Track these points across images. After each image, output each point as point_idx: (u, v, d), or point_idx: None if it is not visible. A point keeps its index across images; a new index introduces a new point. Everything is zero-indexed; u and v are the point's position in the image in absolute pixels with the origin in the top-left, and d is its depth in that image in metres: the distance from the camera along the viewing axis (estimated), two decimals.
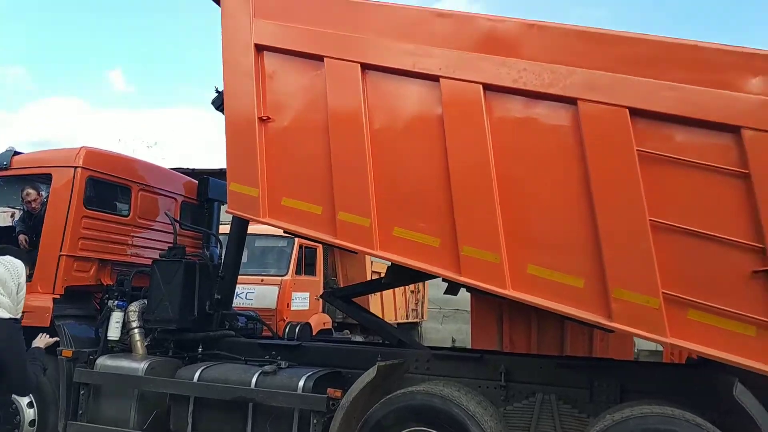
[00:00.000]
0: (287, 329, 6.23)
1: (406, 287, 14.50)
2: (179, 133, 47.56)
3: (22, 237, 6.41)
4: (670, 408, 4.01)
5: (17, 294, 3.22)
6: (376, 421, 4.54)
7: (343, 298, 6.11)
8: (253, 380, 5.03)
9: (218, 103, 5.86)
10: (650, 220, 3.93)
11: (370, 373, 4.67)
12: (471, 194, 4.38)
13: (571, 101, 4.14)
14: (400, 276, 5.54)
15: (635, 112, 3.99)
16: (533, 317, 7.14)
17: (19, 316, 3.29)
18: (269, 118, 5.07)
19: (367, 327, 7.06)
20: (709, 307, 3.81)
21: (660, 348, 11.67)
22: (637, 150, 3.96)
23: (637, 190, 3.96)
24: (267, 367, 5.12)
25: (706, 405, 4.21)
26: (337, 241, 4.83)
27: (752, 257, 3.76)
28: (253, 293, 9.32)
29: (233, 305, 6.79)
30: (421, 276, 5.24)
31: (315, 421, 4.77)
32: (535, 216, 4.32)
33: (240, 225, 6.37)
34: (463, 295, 7.88)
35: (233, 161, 5.24)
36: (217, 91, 5.94)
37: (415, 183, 4.64)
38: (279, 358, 5.45)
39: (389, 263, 5.41)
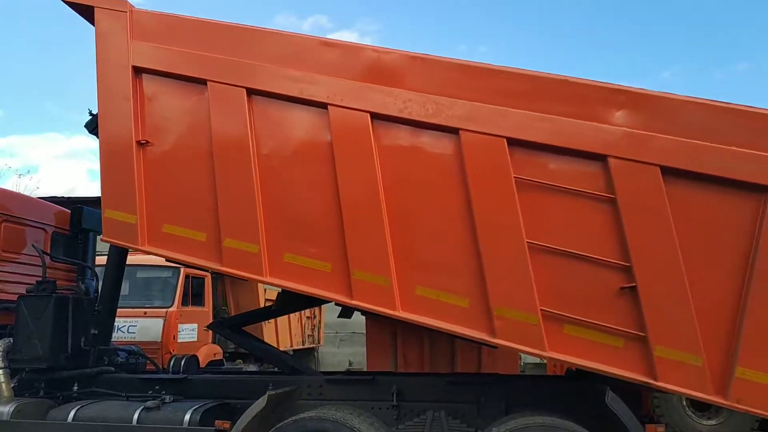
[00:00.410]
0: (172, 362, 5.95)
1: (302, 313, 14.34)
2: (59, 162, 44.29)
3: None
4: (550, 418, 4.28)
5: None
6: None
7: (232, 328, 5.95)
8: (135, 416, 4.77)
9: (92, 126, 5.58)
10: (527, 242, 4.20)
11: (260, 403, 4.57)
12: (361, 220, 4.46)
13: (454, 131, 4.36)
14: (291, 302, 5.50)
15: (512, 142, 4.27)
16: (425, 337, 7.36)
17: None
18: (148, 141, 4.89)
19: (259, 356, 6.88)
20: (583, 321, 4.13)
21: (544, 361, 12.41)
22: (515, 177, 4.24)
23: (515, 214, 4.22)
24: (150, 403, 4.87)
25: (583, 413, 4.50)
26: (224, 269, 4.72)
27: (619, 275, 4.11)
28: (135, 326, 8.80)
29: (113, 340, 6.41)
30: (314, 301, 5.23)
31: None
32: (422, 240, 4.46)
33: (118, 255, 6.05)
34: (359, 318, 7.98)
35: (108, 187, 4.99)
36: (91, 114, 5.66)
37: (306, 209, 4.65)
38: (163, 392, 5.22)
39: (280, 289, 5.37)
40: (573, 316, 4.13)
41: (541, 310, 4.13)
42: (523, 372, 9.68)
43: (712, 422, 8.48)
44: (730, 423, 8.41)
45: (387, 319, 7.17)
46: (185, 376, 5.52)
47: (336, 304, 4.95)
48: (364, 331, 8.01)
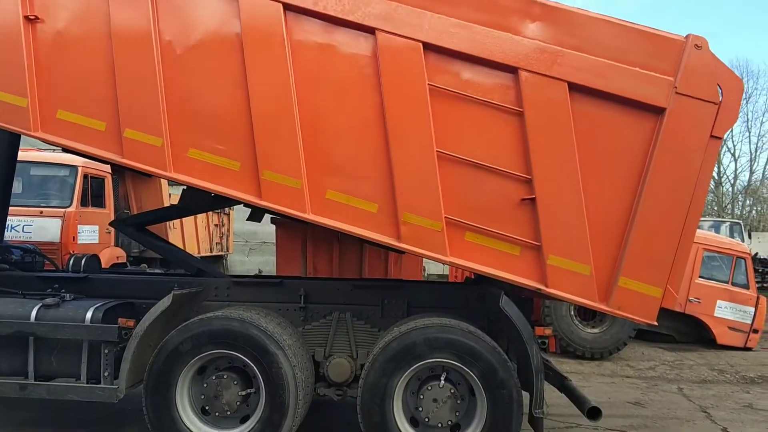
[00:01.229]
0: (71, 261, 5.72)
1: (209, 220, 14.13)
2: None
3: None
4: (447, 319, 4.55)
5: None
6: (173, 347, 4.47)
7: (136, 226, 5.77)
8: (33, 313, 4.61)
9: None
10: (437, 150, 4.29)
11: (165, 302, 4.56)
12: (271, 118, 4.36)
13: (370, 30, 4.27)
14: (197, 201, 5.37)
15: (428, 47, 4.25)
16: (335, 245, 7.51)
17: None
18: (37, 17, 4.45)
19: (163, 257, 6.76)
20: (484, 230, 4.34)
21: (446, 272, 13.04)
22: (429, 84, 4.26)
23: (426, 122, 4.28)
24: (48, 300, 4.72)
25: (478, 316, 4.87)
26: (125, 161, 4.51)
27: (521, 187, 4.32)
28: (31, 226, 8.35)
29: (6, 239, 6.06)
30: (221, 202, 5.14)
31: (106, 351, 4.56)
32: (334, 143, 4.43)
33: (9, 146, 5.63)
34: (269, 227, 7.97)
35: None
36: None
37: (212, 103, 4.46)
38: (62, 290, 5.05)
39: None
40: (475, 225, 4.33)
41: (446, 217, 4.30)
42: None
43: (596, 330, 9.47)
44: (611, 331, 9.43)
45: (297, 226, 7.34)
46: (86, 275, 5.35)
47: (245, 205, 4.91)
48: (275, 241, 8.06)
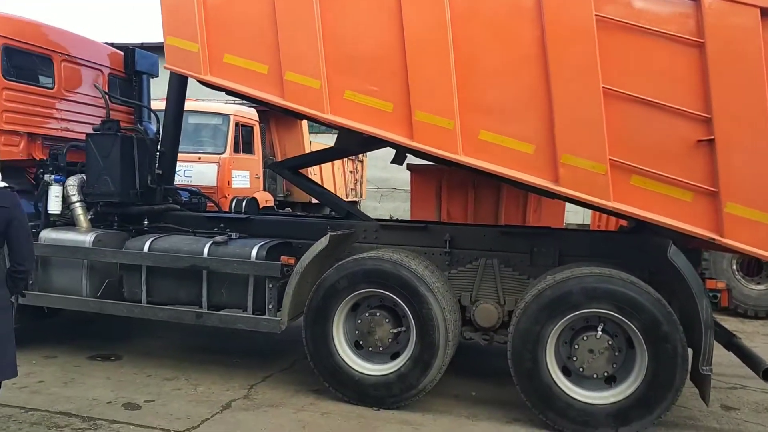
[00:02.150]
0: (233, 203, 6.16)
1: (345, 167, 14.53)
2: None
3: None
4: (607, 268, 4.34)
5: None
6: (330, 284, 4.71)
7: (291, 169, 6.04)
8: (205, 250, 5.04)
9: None
10: (603, 87, 4.02)
11: (323, 242, 4.77)
12: (426, 58, 4.30)
13: None
14: (351, 143, 5.50)
15: None
16: (470, 191, 7.40)
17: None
18: None
19: (317, 199, 7.03)
20: (653, 173, 4.04)
21: (588, 221, 12.46)
22: (596, 15, 3.95)
23: (592, 56, 4.00)
24: (218, 238, 5.12)
25: (637, 267, 4.56)
26: (285, 103, 4.70)
27: (698, 127, 3.95)
28: (191, 170, 9.05)
29: None
30: (373, 144, 5.22)
31: (270, 285, 4.89)
32: (489, 81, 4.31)
33: (177, 95, 6.10)
34: (401, 174, 8.01)
35: (168, 12, 4.92)
36: None
37: (368, 45, 4.49)
38: (228, 230, 5.46)
39: (337, 132, 5.38)
40: (643, 168, 4.04)
41: (610, 159, 4.05)
42: None
43: (762, 287, 8.55)
44: None
45: (432, 172, 7.31)
46: (248, 215, 5.74)
47: (392, 146, 4.95)
48: (406, 187, 8.09)
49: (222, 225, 5.59)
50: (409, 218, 8.08)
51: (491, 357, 5.82)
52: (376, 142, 4.93)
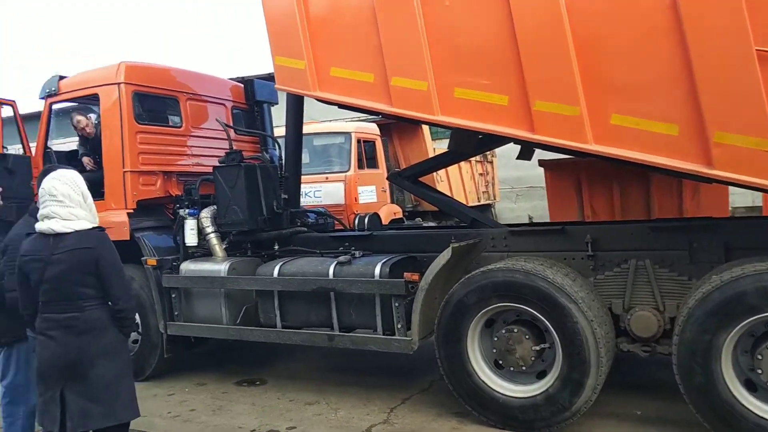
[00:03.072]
0: (356, 221, 6.10)
1: (474, 170, 14.10)
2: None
3: (86, 159, 6.49)
4: None
5: (85, 202, 3.01)
6: (458, 300, 4.41)
7: (410, 179, 5.82)
8: (330, 270, 4.97)
9: None
10: (757, 50, 3.34)
11: (445, 255, 4.48)
12: (540, 41, 3.88)
13: None
14: (465, 143, 5.18)
15: None
16: (614, 182, 6.71)
17: (98, 224, 3.10)
18: None
19: (438, 207, 6.77)
20: None
21: (760, 203, 10.89)
22: None
23: (740, 16, 3.34)
24: (342, 258, 5.04)
25: None
26: (394, 110, 4.52)
27: None
28: (320, 191, 9.26)
29: (303, 204, 6.72)
30: (490, 142, 4.87)
31: (396, 304, 4.69)
32: (615, 60, 3.78)
33: (295, 120, 6.18)
34: (535, 171, 7.46)
35: (274, 33, 4.99)
36: None
37: (475, 37, 4.17)
38: (352, 248, 5.38)
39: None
40: None
41: None
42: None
43: None
44: None
45: (568, 167, 6.71)
46: (370, 232, 5.62)
47: (515, 142, 4.55)
48: (543, 184, 7.53)
49: (347, 243, 5.53)
50: (548, 218, 7.54)
51: (653, 368, 5.15)
52: (494, 140, 4.59)
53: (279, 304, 5.21)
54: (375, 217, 6.09)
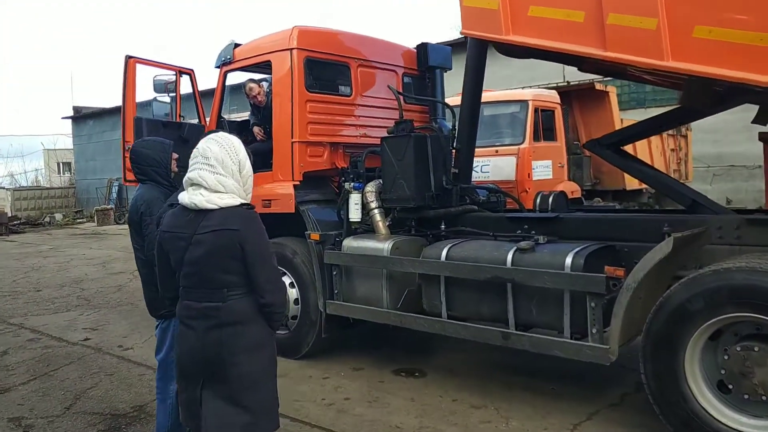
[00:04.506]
0: (538, 199, 5.27)
1: (665, 144, 12.36)
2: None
3: (256, 129, 6.41)
4: None
5: (240, 173, 2.54)
6: (678, 305, 3.49)
7: (613, 147, 4.84)
8: (509, 258, 4.26)
9: None
10: None
11: (664, 248, 3.56)
12: None
13: None
14: (700, 100, 4.12)
15: None
16: None
17: (249, 201, 2.63)
18: None
19: (647, 184, 5.68)
20: None
21: None
22: None
23: None
24: (523, 243, 4.30)
25: None
26: (608, 54, 3.70)
27: None
28: (488, 165, 8.47)
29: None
30: (729, 100, 3.81)
31: (593, 304, 3.86)
32: None
33: (474, 82, 5.49)
34: (737, 147, 6.04)
35: None
36: None
37: None
38: (533, 232, 4.63)
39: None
40: None
41: None
42: None
43: None
44: None
45: None
46: (557, 214, 4.80)
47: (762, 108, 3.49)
48: (747, 163, 6.10)
49: (526, 226, 4.78)
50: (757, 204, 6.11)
51: None
52: (735, 97, 3.54)
53: (445, 292, 4.63)
54: (561, 196, 5.23)
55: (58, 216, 27.15)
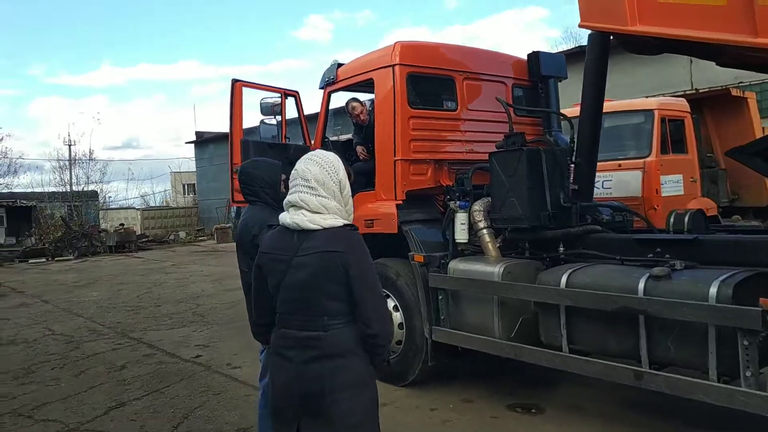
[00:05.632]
0: (672, 219, 4.63)
1: None
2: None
3: (359, 148, 6.30)
4: None
5: (341, 193, 2.38)
6: None
7: (761, 155, 4.17)
8: (641, 286, 3.73)
9: None
10: None
11: None
12: None
13: None
14: None
15: None
16: None
17: (351, 221, 2.44)
18: None
19: None
20: None
21: None
22: None
23: None
24: (657, 270, 3.75)
25: None
26: (759, 40, 3.11)
27: None
28: (610, 181, 7.80)
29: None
30: None
31: (746, 342, 3.26)
32: None
33: (595, 93, 5.00)
34: None
35: None
36: None
37: None
38: (667, 256, 4.06)
39: None
40: None
41: None
42: None
43: None
44: None
45: None
46: (695, 236, 4.18)
47: None
48: None
49: (659, 250, 4.20)
50: None
51: None
52: None
53: (566, 322, 4.16)
54: (699, 215, 4.56)
55: (182, 234, 29.05)
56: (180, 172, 40.54)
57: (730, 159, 9.41)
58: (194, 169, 37.03)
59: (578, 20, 4.35)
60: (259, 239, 3.26)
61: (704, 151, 9.21)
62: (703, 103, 9.27)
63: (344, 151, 6.39)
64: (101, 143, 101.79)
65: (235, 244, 3.68)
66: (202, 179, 35.26)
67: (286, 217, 2.34)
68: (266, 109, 6.20)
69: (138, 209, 33.15)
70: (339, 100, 6.55)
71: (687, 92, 12.90)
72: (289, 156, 6.02)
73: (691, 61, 15.19)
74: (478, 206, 5.07)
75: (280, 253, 2.32)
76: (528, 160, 4.71)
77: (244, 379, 5.94)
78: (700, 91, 12.17)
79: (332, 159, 2.41)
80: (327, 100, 6.29)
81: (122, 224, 27.07)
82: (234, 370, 6.30)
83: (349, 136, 7.25)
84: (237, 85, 5.98)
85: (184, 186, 40.62)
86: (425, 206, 5.58)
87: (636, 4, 3.71)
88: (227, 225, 27.68)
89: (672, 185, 7.86)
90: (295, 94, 6.42)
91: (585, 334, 4.12)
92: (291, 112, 6.48)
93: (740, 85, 12.51)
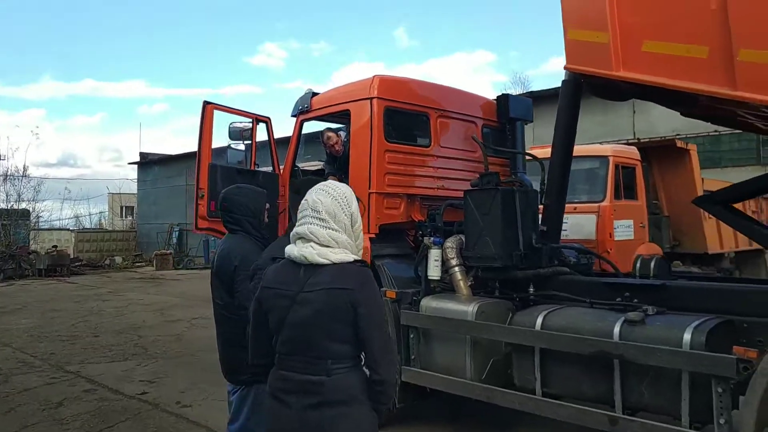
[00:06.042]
0: (638, 264, 4.79)
1: (746, 207, 11.58)
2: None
3: (331, 178, 6.19)
4: None
5: (353, 227, 2.26)
6: None
7: (724, 204, 4.36)
8: (616, 330, 3.80)
9: None
10: None
11: None
12: None
13: None
14: None
15: None
16: None
17: (361, 257, 2.31)
18: None
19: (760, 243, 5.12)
20: None
21: None
22: None
23: None
24: (632, 314, 3.83)
25: None
26: (738, 93, 3.30)
27: None
28: (566, 223, 7.96)
29: None
30: None
31: (720, 389, 3.35)
32: None
33: (566, 138, 5.14)
34: None
35: (570, 2, 4.29)
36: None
37: None
38: (635, 300, 4.15)
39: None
40: None
41: None
42: None
43: None
44: None
45: None
46: (662, 282, 4.31)
47: None
48: None
49: (627, 294, 4.30)
50: None
51: None
52: None
53: (540, 365, 4.17)
54: (663, 261, 4.74)
55: (118, 259, 27.79)
56: (120, 194, 39.06)
57: (673, 207, 9.97)
58: (135, 191, 35.78)
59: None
60: (242, 271, 3.13)
61: (651, 197, 9.61)
62: (649, 152, 9.70)
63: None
64: (35, 159, 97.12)
65: (210, 272, 3.49)
66: (143, 202, 34.09)
67: (293, 250, 2.21)
68: (234, 134, 6.06)
69: (72, 231, 31.56)
70: (309, 128, 6.49)
71: (630, 141, 13.53)
72: (258, 183, 5.88)
73: (634, 112, 16.01)
74: (450, 243, 5.08)
75: (284, 288, 2.20)
76: (503, 199, 4.77)
77: (195, 419, 5.61)
78: (642, 140, 12.79)
79: (345, 191, 2.30)
80: (299, 128, 6.23)
81: (55, 246, 25.65)
82: (184, 409, 5.95)
83: (316, 163, 7.18)
84: (208, 108, 5.83)
85: (122, 208, 39.12)
86: (397, 241, 5.56)
87: (621, 51, 3.88)
88: (168, 251, 26.74)
89: (623, 230, 8.14)
90: (267, 120, 6.32)
91: (559, 377, 4.15)
92: (261, 136, 6.35)
93: (679, 137, 13.21)
